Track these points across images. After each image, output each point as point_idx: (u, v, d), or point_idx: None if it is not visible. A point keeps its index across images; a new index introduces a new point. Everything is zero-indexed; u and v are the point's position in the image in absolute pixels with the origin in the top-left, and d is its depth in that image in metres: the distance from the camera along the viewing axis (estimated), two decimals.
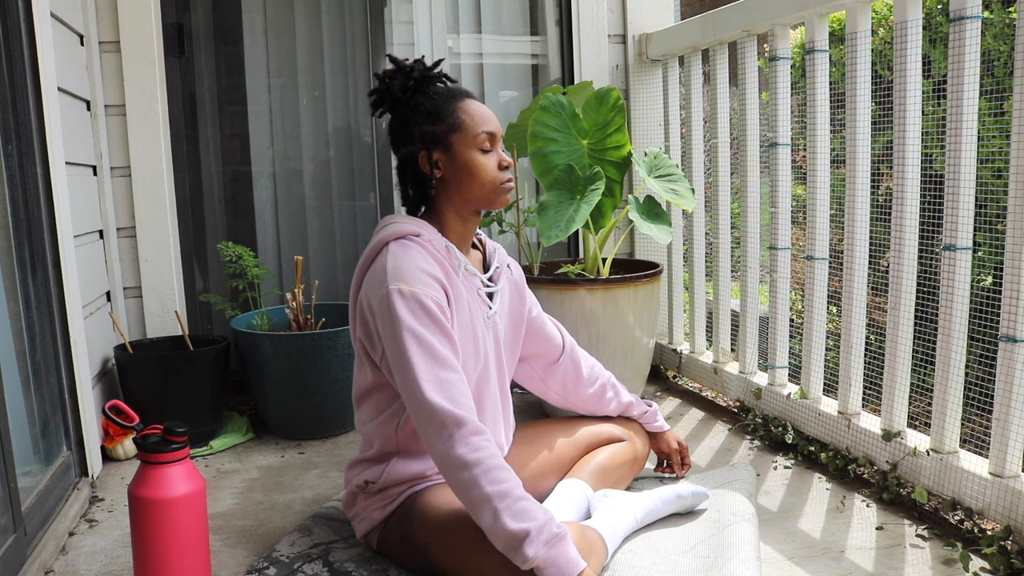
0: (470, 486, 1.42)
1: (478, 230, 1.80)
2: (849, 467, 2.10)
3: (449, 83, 1.70)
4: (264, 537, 1.88)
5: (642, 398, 2.13)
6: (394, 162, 1.70)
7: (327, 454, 2.44)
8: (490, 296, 1.74)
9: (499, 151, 1.67)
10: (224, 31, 3.01)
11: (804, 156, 2.54)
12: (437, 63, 1.69)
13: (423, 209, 1.72)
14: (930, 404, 1.92)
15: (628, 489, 1.98)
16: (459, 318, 1.61)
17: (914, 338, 1.99)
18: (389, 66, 1.67)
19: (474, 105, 1.65)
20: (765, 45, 2.49)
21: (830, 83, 2.24)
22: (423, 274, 1.54)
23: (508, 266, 1.84)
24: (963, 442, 1.91)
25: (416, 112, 1.63)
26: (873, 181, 2.23)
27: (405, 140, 1.65)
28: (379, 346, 1.60)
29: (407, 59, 1.68)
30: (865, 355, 2.16)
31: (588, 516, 1.76)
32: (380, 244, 1.61)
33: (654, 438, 2.06)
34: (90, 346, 2.29)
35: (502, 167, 1.66)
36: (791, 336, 2.52)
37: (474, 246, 1.80)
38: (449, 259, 1.63)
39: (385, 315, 1.53)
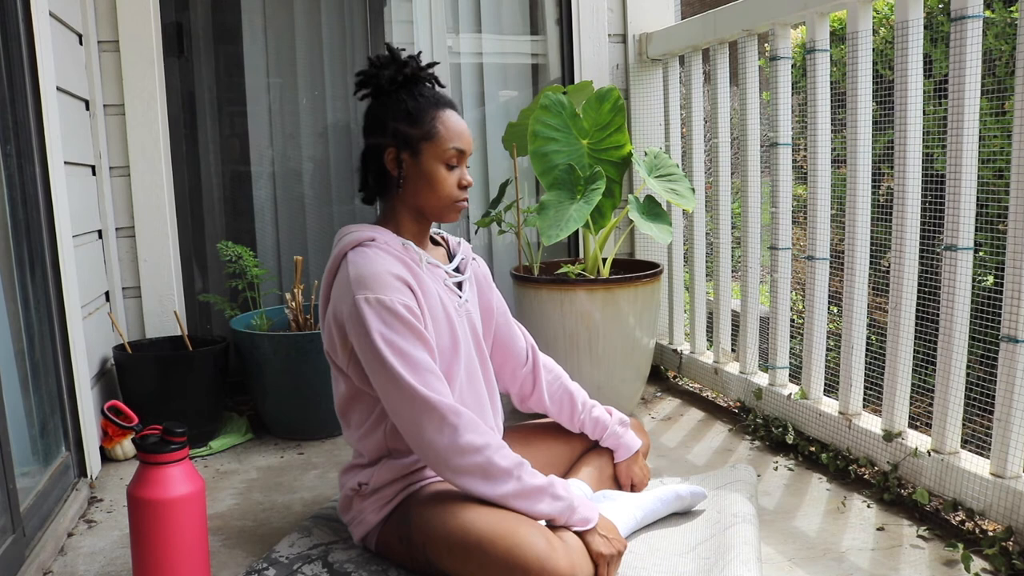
0: (486, 467, 1.48)
1: (440, 228, 1.80)
2: (850, 468, 2.10)
3: (438, 86, 1.70)
4: (263, 538, 1.87)
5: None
6: None
7: (326, 454, 2.43)
8: (459, 286, 1.74)
9: (464, 169, 1.68)
10: (223, 31, 3.00)
11: (805, 156, 2.54)
12: (431, 64, 1.69)
13: (378, 202, 1.73)
14: (931, 404, 1.92)
15: None
16: (431, 310, 1.62)
17: (915, 338, 1.99)
18: (385, 53, 1.67)
19: (453, 118, 1.65)
20: (766, 44, 2.49)
21: (831, 83, 2.24)
22: (388, 276, 1.55)
23: (473, 259, 1.86)
24: (964, 443, 1.91)
25: (396, 108, 1.64)
26: (874, 181, 2.23)
27: (378, 131, 1.66)
28: (342, 354, 1.61)
29: (404, 49, 1.68)
30: (866, 355, 2.15)
31: None
32: (339, 256, 1.62)
33: (616, 465, 1.94)
34: (89, 346, 2.28)
35: (461, 186, 1.67)
36: (792, 336, 2.52)
37: (437, 243, 1.81)
38: (408, 255, 1.64)
39: (356, 325, 1.54)
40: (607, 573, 1.51)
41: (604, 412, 1.91)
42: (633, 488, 1.92)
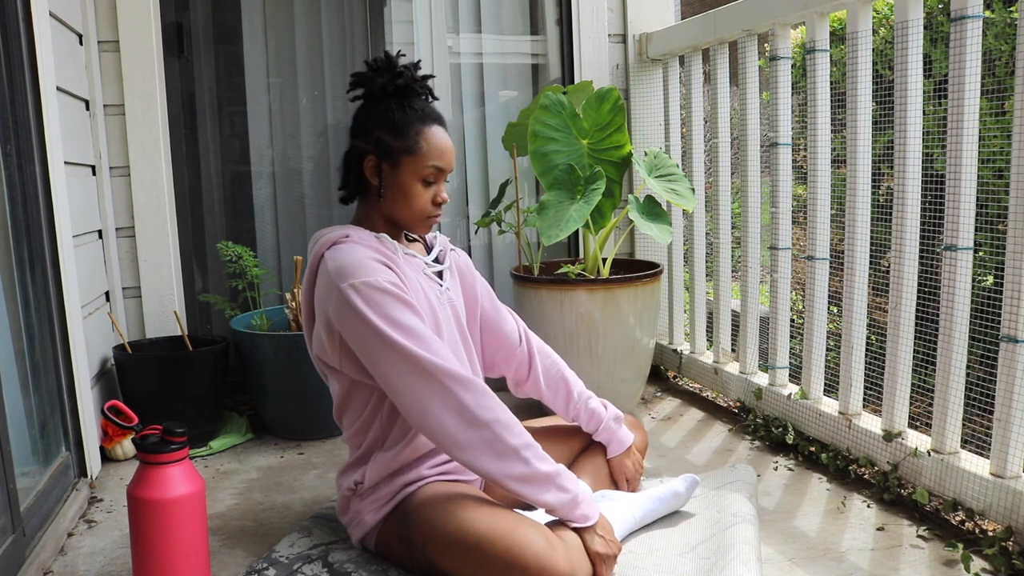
0: (493, 442, 1.47)
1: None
2: (850, 468, 2.10)
3: (431, 98, 1.70)
4: (263, 538, 1.87)
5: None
6: None
7: (327, 454, 2.43)
8: (439, 276, 1.75)
9: (441, 186, 1.68)
10: (223, 31, 3.00)
11: (805, 156, 2.54)
12: (428, 76, 1.69)
13: (357, 201, 1.74)
14: (931, 404, 1.92)
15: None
16: (414, 296, 1.62)
17: (915, 338, 1.99)
18: (383, 58, 1.66)
19: (438, 136, 1.65)
20: (766, 44, 2.49)
21: (831, 83, 2.24)
22: (368, 260, 1.56)
23: (453, 250, 1.86)
24: (964, 443, 1.91)
25: (383, 117, 1.64)
26: (874, 181, 2.23)
27: (362, 136, 1.66)
28: (333, 351, 1.60)
29: (404, 54, 1.68)
30: (866, 355, 2.15)
31: None
32: (316, 258, 1.63)
33: (608, 461, 1.94)
34: (89, 346, 2.28)
35: (435, 203, 1.67)
36: (792, 336, 2.52)
37: (413, 239, 1.82)
38: (384, 246, 1.64)
39: (347, 313, 1.53)
40: (604, 572, 1.51)
41: (600, 405, 1.91)
42: (628, 483, 1.91)
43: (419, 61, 1.70)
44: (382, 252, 1.61)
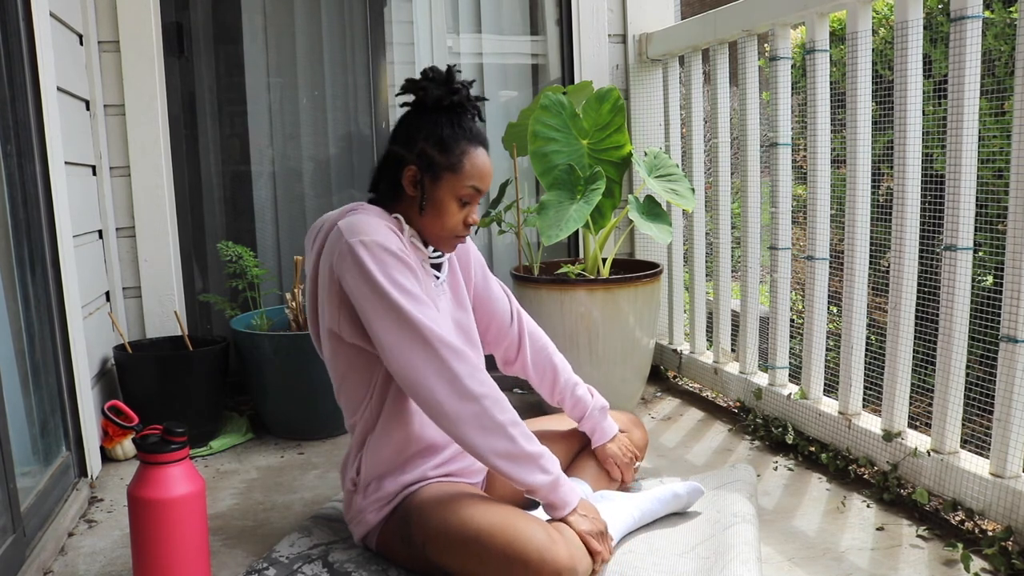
0: (480, 416, 1.49)
1: None
2: (849, 468, 2.10)
3: (479, 119, 1.70)
4: (263, 538, 1.87)
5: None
6: None
7: (327, 454, 2.43)
8: (437, 267, 1.74)
9: (475, 207, 1.68)
10: (224, 30, 3.00)
11: (804, 156, 2.54)
12: (481, 98, 1.69)
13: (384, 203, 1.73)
14: (931, 404, 1.92)
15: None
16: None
17: (915, 338, 1.99)
18: (442, 71, 1.65)
19: (481, 157, 1.64)
20: (765, 45, 2.49)
21: (831, 83, 2.24)
22: (381, 226, 1.57)
23: None
24: (964, 443, 1.91)
25: (431, 130, 1.62)
26: (874, 181, 2.23)
27: (406, 143, 1.64)
28: (332, 312, 1.59)
29: (459, 70, 1.66)
30: (865, 355, 2.15)
31: None
32: (326, 232, 1.61)
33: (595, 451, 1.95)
34: (89, 346, 2.28)
35: (467, 223, 1.67)
36: (791, 336, 2.52)
37: None
38: (397, 225, 1.64)
39: (352, 269, 1.53)
40: (599, 549, 1.52)
41: (586, 393, 1.91)
42: (620, 469, 1.90)
43: (472, 81, 1.69)
44: (393, 229, 1.62)
